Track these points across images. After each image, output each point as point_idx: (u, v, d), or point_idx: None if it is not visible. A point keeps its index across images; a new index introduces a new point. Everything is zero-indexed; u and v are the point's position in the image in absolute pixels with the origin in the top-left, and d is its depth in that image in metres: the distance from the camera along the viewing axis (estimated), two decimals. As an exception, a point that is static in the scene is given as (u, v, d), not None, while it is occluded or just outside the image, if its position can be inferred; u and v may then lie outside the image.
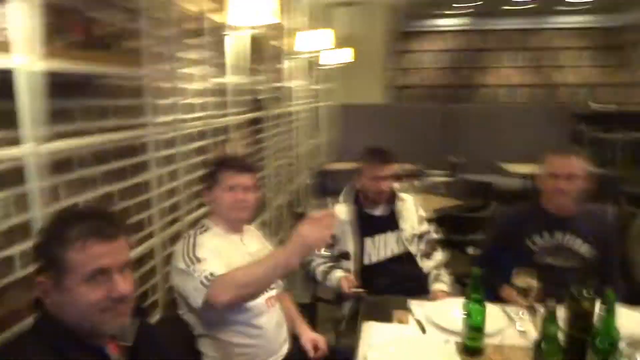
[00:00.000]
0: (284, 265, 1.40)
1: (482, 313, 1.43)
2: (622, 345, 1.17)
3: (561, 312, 1.32)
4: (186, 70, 2.09)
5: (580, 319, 1.32)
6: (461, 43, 9.60)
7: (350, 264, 2.28)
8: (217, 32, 2.39)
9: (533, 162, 4.83)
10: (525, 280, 1.68)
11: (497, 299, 1.84)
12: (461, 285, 2.32)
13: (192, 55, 2.15)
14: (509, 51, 9.53)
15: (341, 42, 4.73)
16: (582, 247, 2.01)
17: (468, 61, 9.60)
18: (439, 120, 6.30)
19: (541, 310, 1.59)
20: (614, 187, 4.01)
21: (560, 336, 1.21)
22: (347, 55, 5.14)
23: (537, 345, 1.20)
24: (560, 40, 9.42)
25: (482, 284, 1.44)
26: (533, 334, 1.55)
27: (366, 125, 5.88)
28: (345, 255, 2.30)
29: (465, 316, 1.44)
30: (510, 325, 1.62)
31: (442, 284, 2.23)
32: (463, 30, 9.56)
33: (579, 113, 7.16)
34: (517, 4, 7.97)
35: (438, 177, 4.85)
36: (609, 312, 1.23)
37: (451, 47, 9.63)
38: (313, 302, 2.47)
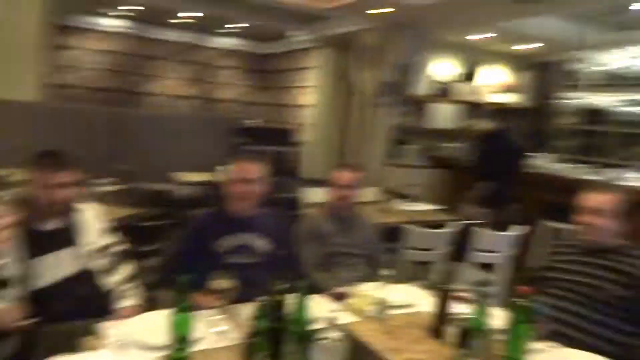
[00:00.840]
0: None
1: (188, 322, 1.40)
2: (317, 326, 1.34)
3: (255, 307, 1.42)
4: None
5: (275, 310, 1.45)
6: (126, 47, 9.31)
7: (14, 292, 1.87)
8: None
9: (202, 170, 5.09)
10: (220, 282, 1.74)
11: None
12: (150, 297, 2.22)
13: None
14: (174, 62, 9.78)
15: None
16: (264, 245, 2.23)
17: (133, 66, 9.37)
18: (105, 124, 5.90)
19: (238, 309, 1.68)
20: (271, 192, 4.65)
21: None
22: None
23: (249, 341, 1.25)
24: (220, 59, 10.27)
25: (187, 291, 1.41)
26: (232, 333, 1.61)
27: (14, 126, 4.98)
28: (2, 283, 1.87)
29: (171, 327, 1.38)
30: (210, 328, 1.64)
31: (129, 299, 2.08)
32: (128, 34, 9.28)
33: (236, 127, 7.98)
34: (181, 17, 8.27)
35: (107, 186, 4.54)
36: (301, 300, 1.39)
37: (115, 50, 9.21)
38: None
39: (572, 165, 5.55)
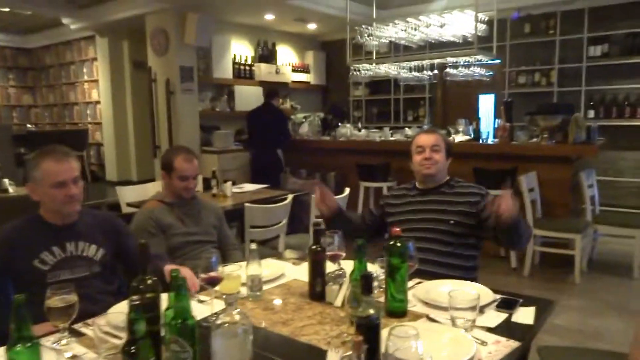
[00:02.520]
0: None
1: (36, 353, 1.09)
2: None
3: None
4: None
5: (151, 309, 1.22)
6: None
7: None
8: None
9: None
10: (62, 299, 1.41)
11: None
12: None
13: None
14: None
15: None
16: (98, 251, 1.89)
17: None
18: None
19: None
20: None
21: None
22: None
23: (126, 350, 1.01)
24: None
25: (27, 317, 1.09)
26: (88, 354, 1.33)
27: None
28: None
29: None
30: (60, 356, 1.32)
31: None
32: None
33: (17, 135, 6.76)
34: None
35: None
36: (179, 294, 1.19)
37: None
38: None
39: (374, 131, 6.08)
